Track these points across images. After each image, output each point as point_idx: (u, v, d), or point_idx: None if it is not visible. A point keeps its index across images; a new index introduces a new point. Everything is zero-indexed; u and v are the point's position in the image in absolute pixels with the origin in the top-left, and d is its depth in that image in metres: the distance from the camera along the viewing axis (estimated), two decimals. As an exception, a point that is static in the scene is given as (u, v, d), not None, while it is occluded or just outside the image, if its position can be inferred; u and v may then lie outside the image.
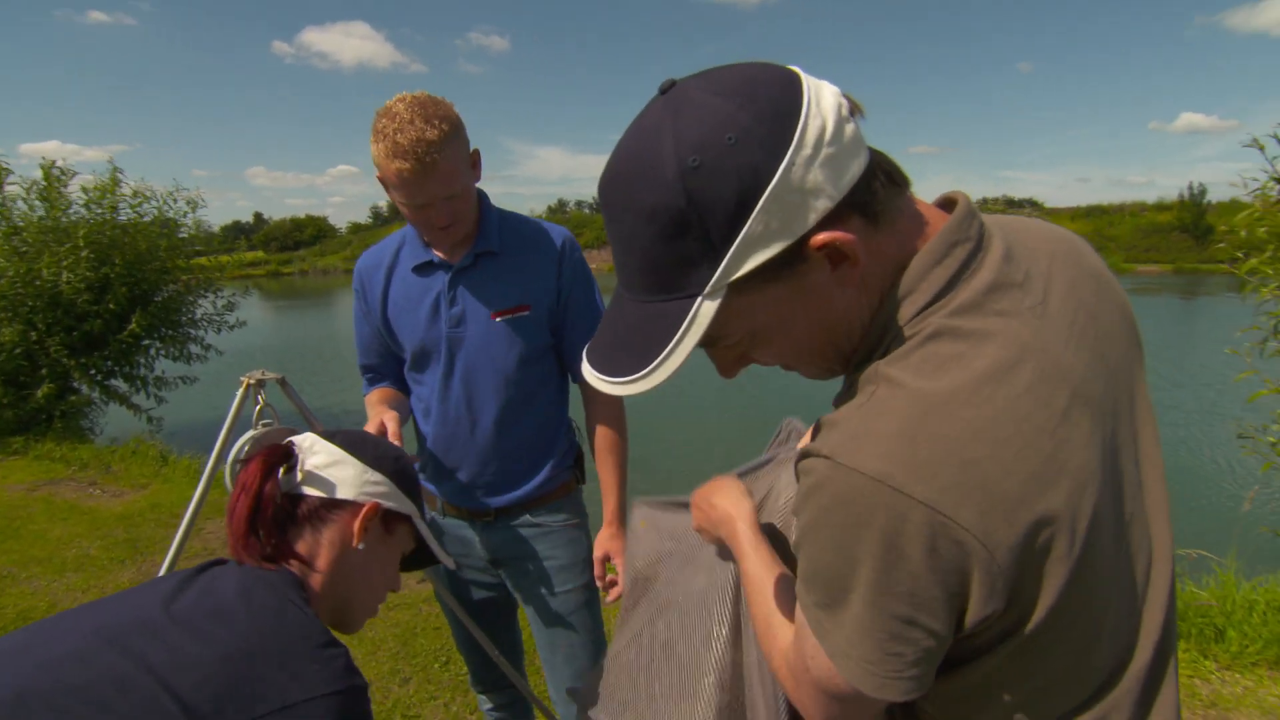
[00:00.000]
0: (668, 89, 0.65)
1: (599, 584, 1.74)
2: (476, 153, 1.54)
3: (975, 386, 0.62)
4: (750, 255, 0.62)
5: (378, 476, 1.08)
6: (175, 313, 8.93)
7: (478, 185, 1.60)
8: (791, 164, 0.60)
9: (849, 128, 0.64)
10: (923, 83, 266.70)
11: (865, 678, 0.66)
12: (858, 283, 0.67)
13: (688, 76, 0.66)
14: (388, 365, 1.79)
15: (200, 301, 9.25)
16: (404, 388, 1.79)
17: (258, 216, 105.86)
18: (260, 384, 1.50)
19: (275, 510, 0.99)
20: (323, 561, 1.02)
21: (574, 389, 1.76)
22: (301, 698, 0.77)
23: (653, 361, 0.64)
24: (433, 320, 1.62)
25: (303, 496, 1.03)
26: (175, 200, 8.92)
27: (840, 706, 0.71)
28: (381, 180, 1.45)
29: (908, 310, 0.68)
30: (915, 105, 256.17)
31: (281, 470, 1.03)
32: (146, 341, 8.73)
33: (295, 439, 1.09)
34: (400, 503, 1.11)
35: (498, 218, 1.65)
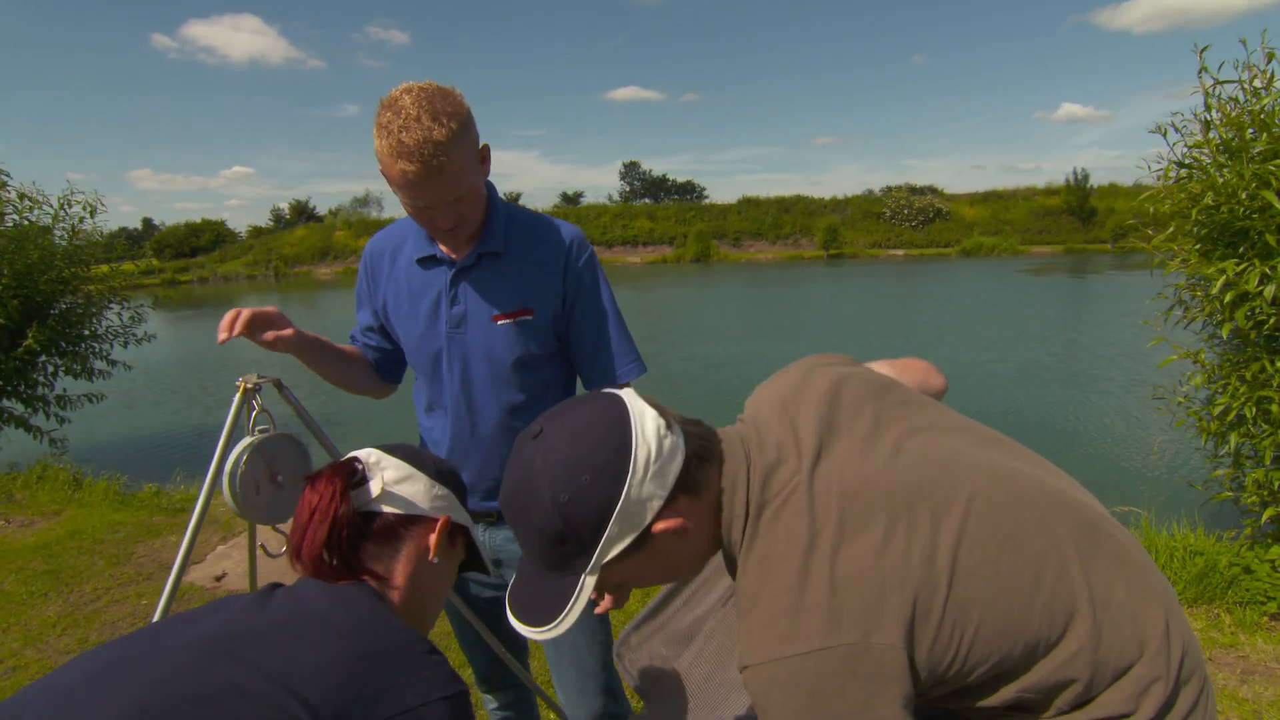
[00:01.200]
0: (537, 434, 0.92)
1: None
2: (486, 148, 1.49)
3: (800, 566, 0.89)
4: (612, 548, 0.91)
5: (443, 490, 1.10)
6: (76, 326, 8.36)
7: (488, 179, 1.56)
8: (629, 488, 0.89)
9: (668, 441, 0.92)
10: (824, 76, 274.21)
11: None
12: (692, 536, 0.96)
13: (549, 423, 0.94)
14: (370, 350, 1.74)
15: (104, 314, 8.69)
16: (380, 368, 1.75)
17: (147, 222, 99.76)
18: (257, 388, 1.44)
19: (350, 530, 0.99)
20: (400, 577, 1.03)
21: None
22: (419, 702, 0.80)
23: (557, 618, 0.94)
24: (433, 319, 1.58)
25: (377, 514, 1.03)
26: (70, 205, 8.35)
27: None
28: (384, 175, 1.40)
29: (735, 537, 0.97)
30: (818, 98, 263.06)
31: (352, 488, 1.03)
32: (44, 358, 8.14)
33: (359, 455, 1.07)
34: (461, 515, 1.14)
35: (505, 215, 1.60)
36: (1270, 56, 3.49)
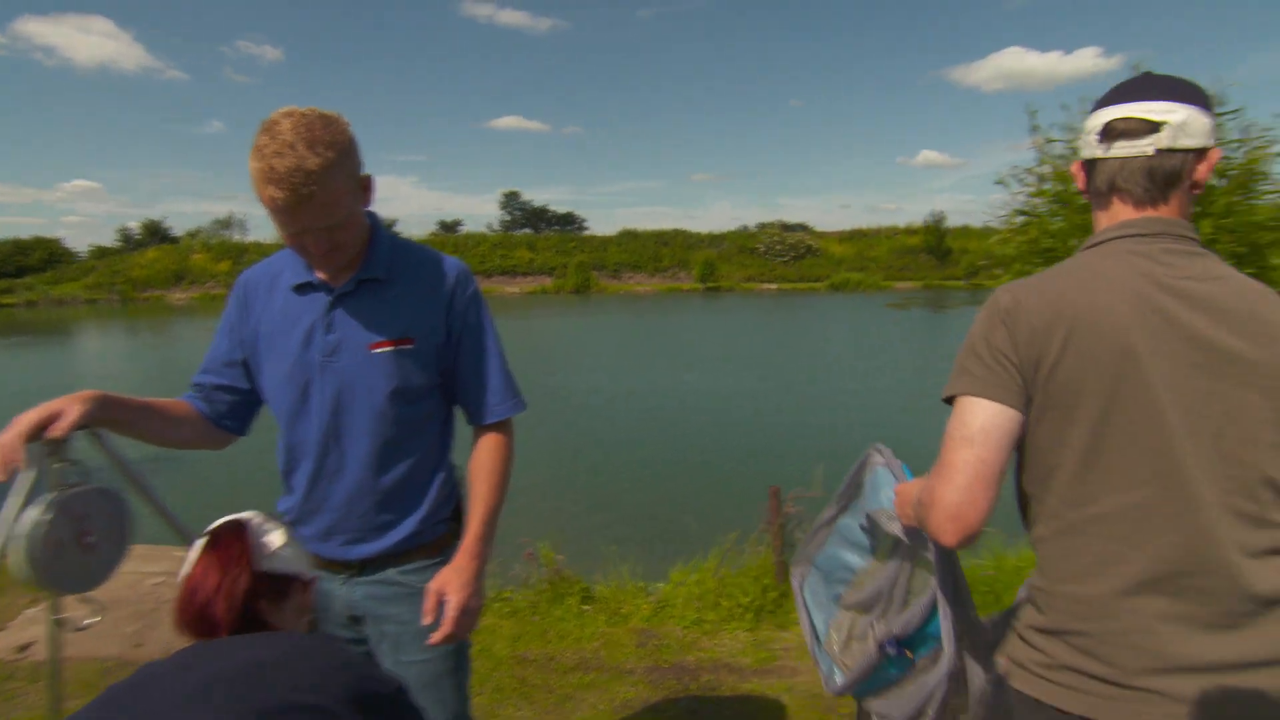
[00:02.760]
0: None
1: (426, 618, 1.43)
2: (368, 178, 1.44)
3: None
4: None
5: (304, 552, 1.22)
6: None
7: (370, 208, 1.50)
8: None
9: None
10: (705, 114, 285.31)
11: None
12: None
13: None
14: (220, 393, 1.58)
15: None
16: (223, 416, 1.60)
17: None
18: (63, 440, 1.25)
19: (248, 592, 1.07)
20: (287, 629, 1.13)
21: (461, 434, 1.65)
22: (399, 685, 1.04)
23: None
24: (305, 347, 1.48)
25: (269, 575, 1.12)
26: None
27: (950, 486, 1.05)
28: (257, 197, 1.31)
29: None
30: (698, 136, 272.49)
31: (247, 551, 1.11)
32: None
33: (243, 517, 1.15)
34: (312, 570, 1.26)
35: (389, 244, 1.54)
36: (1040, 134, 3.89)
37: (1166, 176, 1.10)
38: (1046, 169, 4.13)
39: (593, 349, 24.91)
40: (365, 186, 1.45)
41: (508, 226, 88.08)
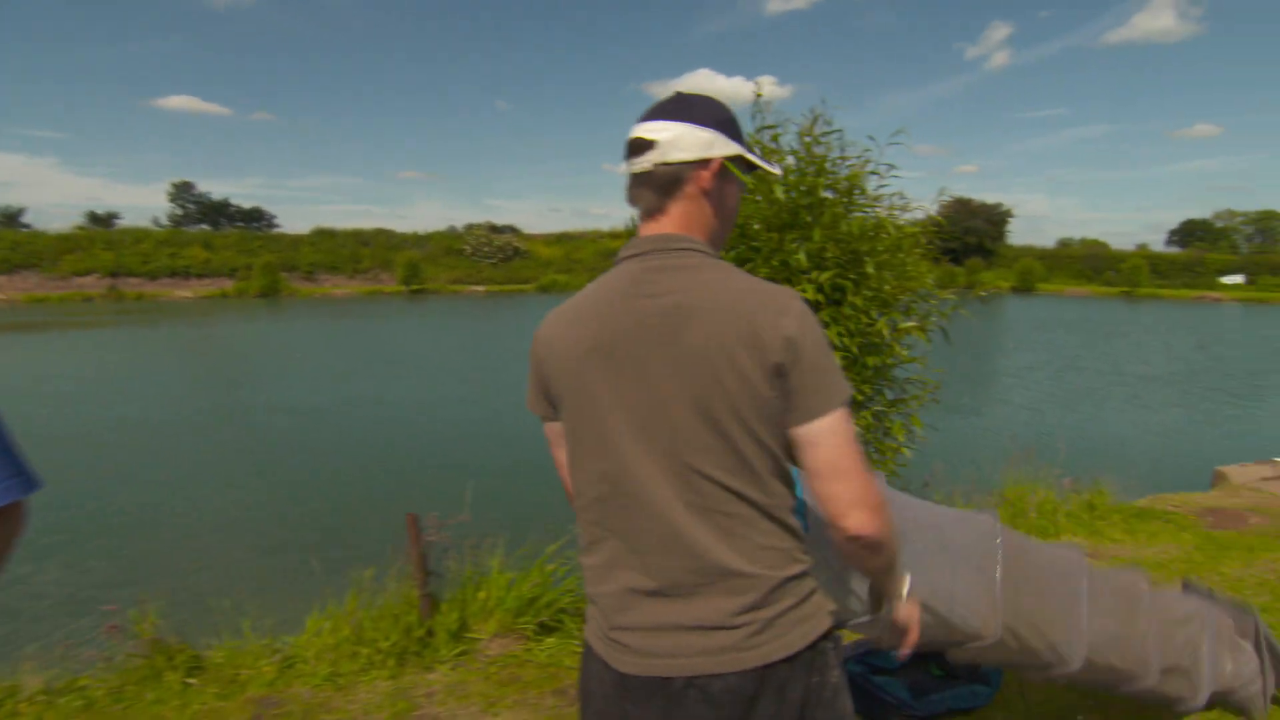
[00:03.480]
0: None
1: None
2: None
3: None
4: None
5: None
6: None
7: None
8: None
9: None
10: (411, 110, 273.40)
11: None
12: None
13: None
14: None
15: None
16: None
17: None
18: None
19: None
20: None
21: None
22: None
23: None
24: None
25: None
26: None
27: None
28: None
29: None
30: (403, 132, 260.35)
31: None
32: None
33: None
34: None
35: None
36: None
37: (662, 187, 1.21)
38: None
39: (275, 360, 22.42)
40: None
41: (180, 222, 76.81)
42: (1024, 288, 60.67)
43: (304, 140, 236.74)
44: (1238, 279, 61.85)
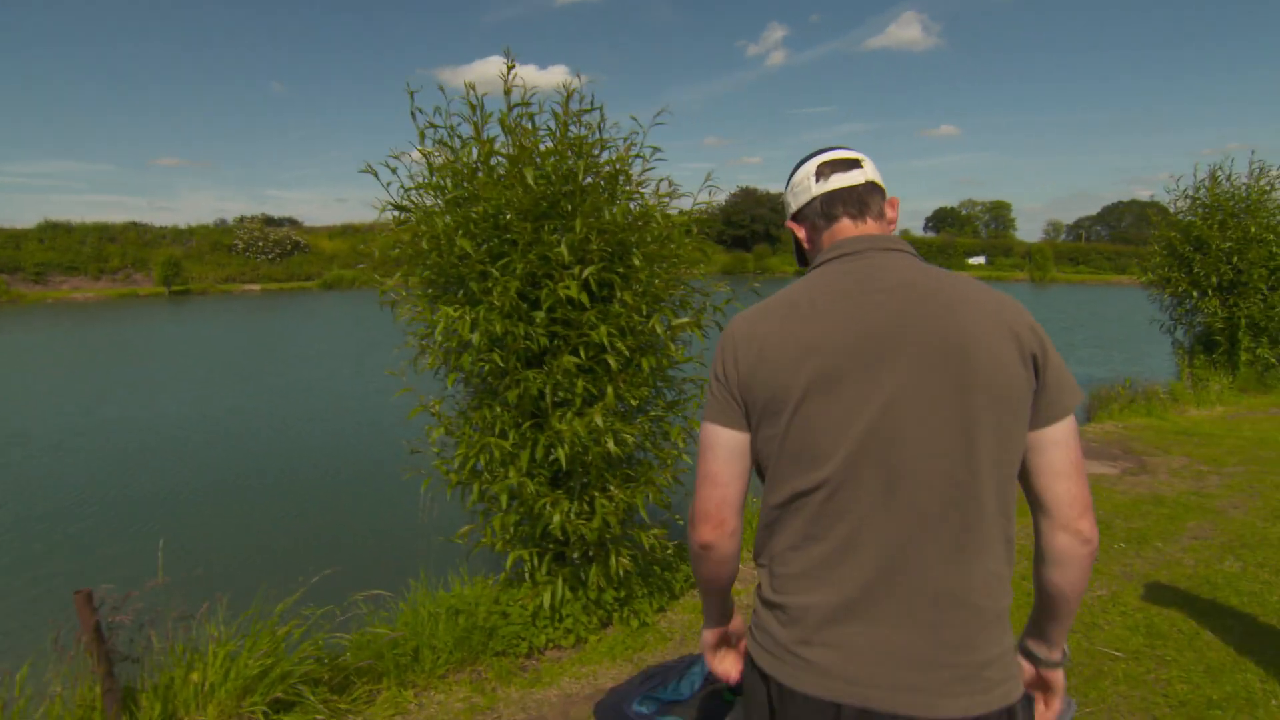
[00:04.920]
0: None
1: None
2: None
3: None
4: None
5: None
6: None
7: None
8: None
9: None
10: (166, 88, 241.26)
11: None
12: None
13: None
14: None
15: None
16: None
17: None
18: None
19: None
20: None
21: None
22: None
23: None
24: None
25: None
26: None
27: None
28: None
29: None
30: (162, 114, 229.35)
31: None
32: None
33: None
34: None
35: None
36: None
37: (867, 201, 1.33)
38: (439, 159, 3.70)
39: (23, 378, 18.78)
40: None
41: None
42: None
43: (27, 119, 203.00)
44: (980, 260, 70.80)
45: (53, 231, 52.29)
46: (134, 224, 56.83)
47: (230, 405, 13.47)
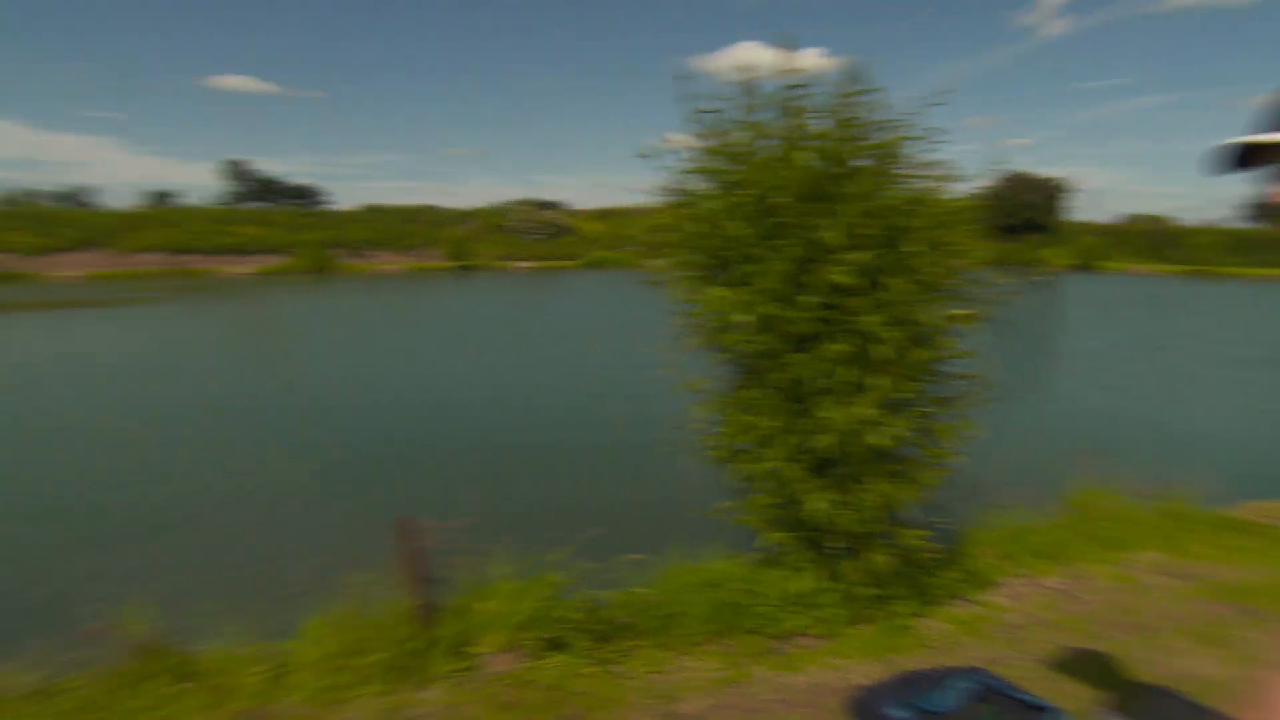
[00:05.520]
0: None
1: None
2: None
3: None
4: None
5: None
6: None
7: None
8: None
9: None
10: (458, 85, 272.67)
11: None
12: None
13: None
14: None
15: None
16: None
17: None
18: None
19: None
20: None
21: None
22: None
23: None
24: None
25: None
26: None
27: None
28: None
29: None
30: (452, 109, 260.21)
31: None
32: None
33: None
34: None
35: None
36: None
37: None
38: (710, 143, 3.79)
39: (310, 339, 22.56)
40: None
41: (237, 199, 78.60)
42: (1083, 266, 58.00)
43: (356, 118, 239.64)
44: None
45: (370, 214, 61.58)
46: (428, 207, 65.03)
47: (512, 371, 15.05)
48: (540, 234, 61.61)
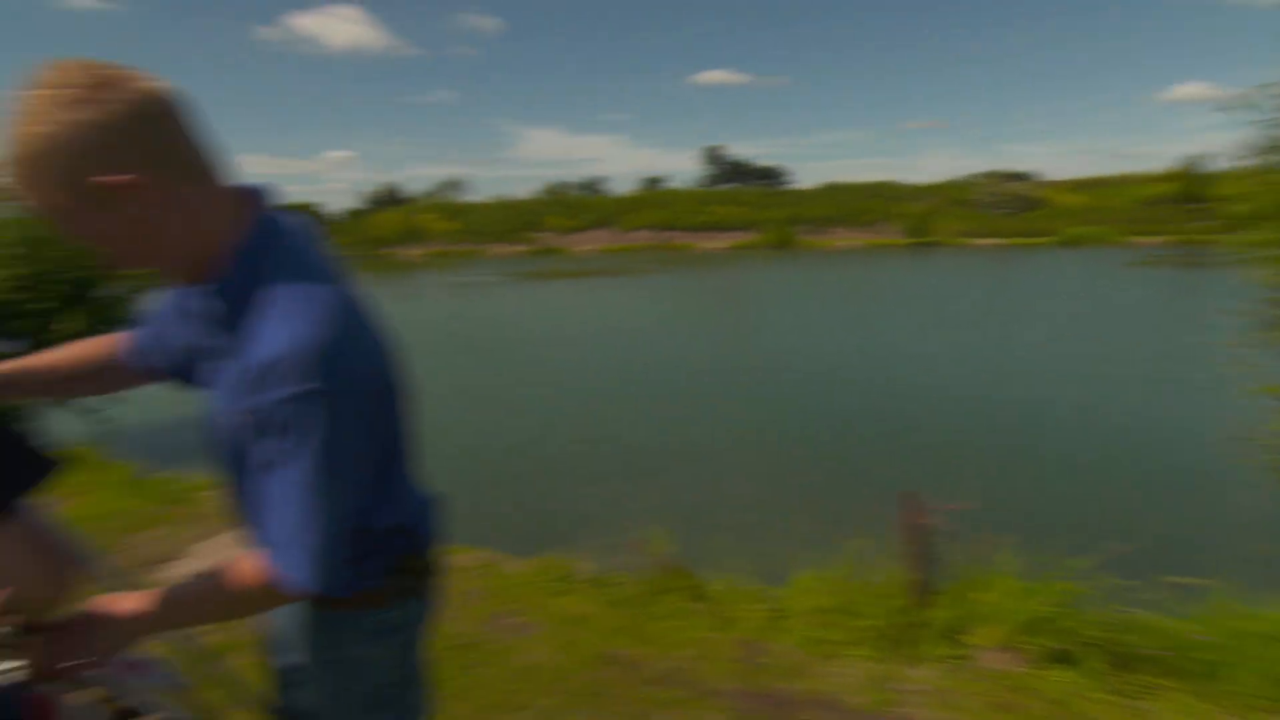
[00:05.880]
0: None
1: None
2: (107, 184, 0.94)
3: None
4: None
5: None
6: (117, 308, 8.46)
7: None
8: None
9: None
10: (916, 56, 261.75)
11: None
12: None
13: None
14: None
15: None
16: None
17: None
18: None
19: None
20: None
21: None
22: None
23: None
24: None
25: None
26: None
27: None
28: None
29: None
30: (910, 80, 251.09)
31: None
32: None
33: None
34: None
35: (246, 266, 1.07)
36: None
37: None
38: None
39: (786, 309, 23.98)
40: (95, 195, 0.95)
41: (714, 181, 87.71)
42: None
43: (816, 97, 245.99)
44: None
45: (830, 191, 63.09)
46: (885, 183, 64.04)
47: (1004, 356, 14.16)
48: (1008, 208, 56.17)
